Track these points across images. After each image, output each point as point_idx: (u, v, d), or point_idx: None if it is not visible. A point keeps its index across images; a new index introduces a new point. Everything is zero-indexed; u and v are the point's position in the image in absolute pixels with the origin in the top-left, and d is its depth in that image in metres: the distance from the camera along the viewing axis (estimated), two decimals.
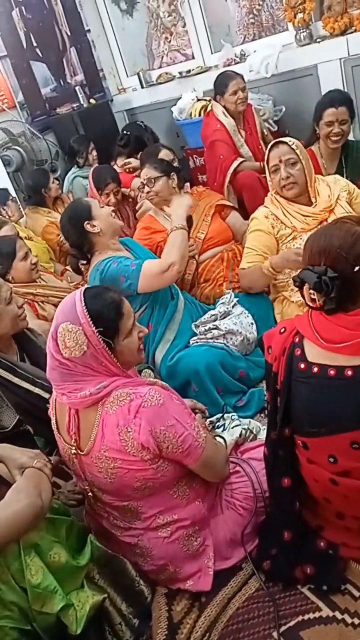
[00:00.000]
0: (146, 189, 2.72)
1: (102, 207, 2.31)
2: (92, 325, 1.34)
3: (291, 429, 1.40)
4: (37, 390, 1.78)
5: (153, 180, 2.68)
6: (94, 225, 2.24)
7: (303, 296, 1.34)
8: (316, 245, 1.30)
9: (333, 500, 1.42)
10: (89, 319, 1.34)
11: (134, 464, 1.37)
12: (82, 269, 2.41)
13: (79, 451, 1.42)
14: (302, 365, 1.34)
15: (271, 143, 2.41)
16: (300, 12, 3.65)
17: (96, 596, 1.41)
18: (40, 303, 2.52)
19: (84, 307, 1.35)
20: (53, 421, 1.51)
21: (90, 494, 1.50)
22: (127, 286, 2.16)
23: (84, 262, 2.35)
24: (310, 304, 1.32)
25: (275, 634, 1.40)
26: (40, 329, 2.09)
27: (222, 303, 2.49)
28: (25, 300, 2.47)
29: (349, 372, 1.27)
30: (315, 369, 1.31)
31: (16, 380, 1.76)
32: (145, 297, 2.29)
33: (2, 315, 1.78)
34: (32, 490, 1.28)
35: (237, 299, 2.51)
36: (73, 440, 1.43)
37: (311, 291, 1.30)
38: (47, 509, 1.32)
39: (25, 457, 1.37)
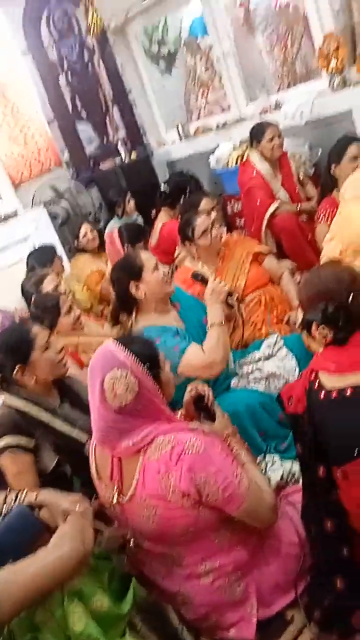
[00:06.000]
0: (214, 231, 2.77)
1: (157, 269, 2.18)
2: (139, 363, 1.39)
3: (327, 465, 1.39)
4: (75, 433, 1.83)
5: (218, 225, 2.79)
6: (139, 288, 2.16)
7: (313, 338, 1.45)
8: (310, 290, 1.47)
9: None
10: (135, 359, 1.39)
11: (176, 510, 1.38)
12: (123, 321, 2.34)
13: (121, 498, 1.44)
14: (322, 395, 1.40)
15: None
16: (334, 59, 3.76)
17: None
18: (84, 352, 2.60)
19: (126, 350, 1.40)
20: (93, 469, 1.54)
21: (131, 540, 1.50)
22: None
23: (126, 315, 2.28)
24: (323, 341, 1.44)
25: None
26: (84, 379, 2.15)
27: (267, 345, 2.45)
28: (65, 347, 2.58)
29: None
30: (334, 394, 1.38)
31: (56, 423, 1.82)
32: None
33: (40, 362, 1.85)
34: (75, 536, 1.29)
35: (282, 341, 2.46)
36: (116, 488, 1.45)
37: (320, 328, 1.42)
38: (90, 555, 1.33)
39: (68, 502, 1.40)
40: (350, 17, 4.00)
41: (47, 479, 1.78)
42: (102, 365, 1.40)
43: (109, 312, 2.49)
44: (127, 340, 1.46)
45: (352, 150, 2.89)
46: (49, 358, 1.87)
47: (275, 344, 2.44)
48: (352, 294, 1.39)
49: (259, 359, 2.39)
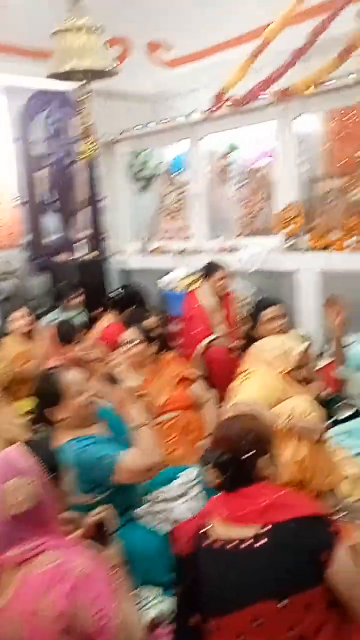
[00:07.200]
0: (125, 347, 2.85)
1: (80, 395, 2.09)
2: (45, 473, 1.37)
3: (202, 613, 1.38)
4: None
5: (135, 342, 2.85)
6: (54, 413, 2.07)
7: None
8: (218, 433, 1.59)
9: None
10: (41, 468, 1.37)
11: (44, 634, 1.28)
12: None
13: None
14: (208, 542, 1.42)
15: None
16: (292, 224, 4.20)
17: None
18: None
19: (33, 457, 1.38)
20: None
21: None
22: (100, 475, 1.94)
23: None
24: (212, 483, 1.51)
25: None
26: None
27: (182, 483, 2.34)
28: None
29: (243, 544, 1.36)
30: (219, 544, 1.40)
31: None
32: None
33: None
34: None
35: (200, 477, 2.34)
36: None
37: (212, 470, 1.49)
38: None
39: None
40: (313, 192, 4.55)
41: None
42: (5, 469, 1.36)
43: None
44: (35, 446, 1.44)
45: (267, 313, 3.03)
46: None
47: (191, 482, 2.35)
48: (249, 453, 1.46)
49: (173, 499, 2.27)
